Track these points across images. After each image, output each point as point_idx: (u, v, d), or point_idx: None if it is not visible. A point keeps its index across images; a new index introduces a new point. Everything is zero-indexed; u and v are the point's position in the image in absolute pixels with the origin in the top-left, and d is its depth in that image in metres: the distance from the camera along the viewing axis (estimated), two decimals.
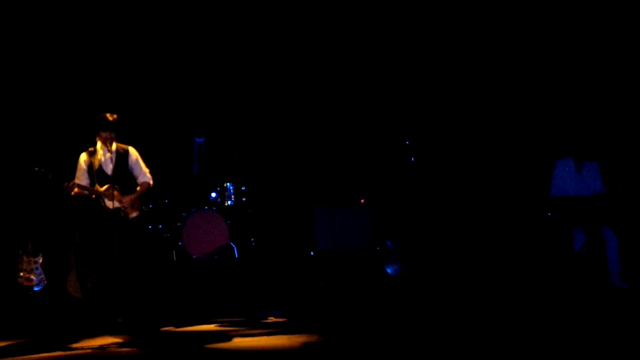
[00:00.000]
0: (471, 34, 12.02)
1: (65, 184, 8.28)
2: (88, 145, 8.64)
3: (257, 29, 12.05)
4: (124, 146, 8.68)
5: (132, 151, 8.73)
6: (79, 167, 8.58)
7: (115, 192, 8.38)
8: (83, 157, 8.60)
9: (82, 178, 8.53)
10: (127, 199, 8.48)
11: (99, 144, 8.52)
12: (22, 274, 8.97)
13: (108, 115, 8.47)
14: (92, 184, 8.49)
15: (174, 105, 11.88)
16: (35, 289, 9.08)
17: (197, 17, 11.80)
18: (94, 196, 8.43)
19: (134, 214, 8.54)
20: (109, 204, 8.36)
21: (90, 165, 8.52)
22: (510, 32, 11.84)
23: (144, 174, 8.75)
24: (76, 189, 8.33)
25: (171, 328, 8.23)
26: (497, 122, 11.98)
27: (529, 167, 11.50)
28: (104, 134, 8.45)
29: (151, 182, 8.79)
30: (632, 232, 10.37)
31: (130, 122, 8.91)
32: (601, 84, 11.53)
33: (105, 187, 8.40)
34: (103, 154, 8.51)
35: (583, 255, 9.51)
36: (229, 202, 11.11)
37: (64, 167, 8.72)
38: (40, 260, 9.10)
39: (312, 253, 11.28)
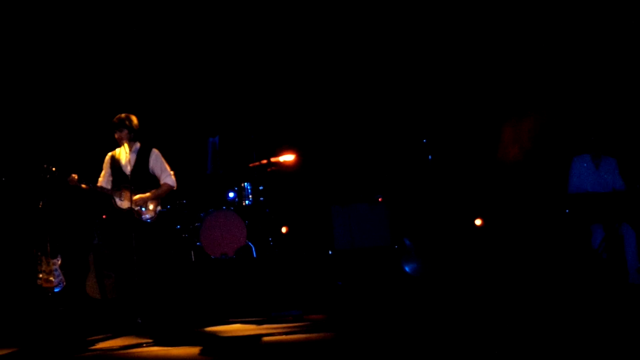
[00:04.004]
0: (488, 32, 11.99)
1: (69, 177, 8.31)
2: (116, 146, 8.72)
3: (272, 27, 12.05)
4: (147, 147, 8.69)
5: (154, 151, 8.73)
6: (103, 167, 8.72)
7: (127, 192, 8.40)
8: (107, 157, 8.72)
9: (105, 176, 8.66)
10: (138, 199, 8.47)
11: (124, 145, 8.57)
12: (41, 275, 9.00)
13: (121, 115, 8.51)
14: (114, 183, 8.55)
15: (189, 105, 11.91)
16: (55, 290, 9.12)
17: (212, 18, 11.81)
18: (110, 194, 8.48)
19: (147, 214, 8.52)
20: (120, 204, 8.39)
21: (112, 166, 8.63)
22: (527, 29, 11.80)
23: (167, 175, 8.71)
24: (82, 186, 8.37)
25: (190, 328, 8.25)
26: (511, 119, 11.95)
27: (547, 163, 11.46)
28: (116, 135, 8.50)
29: (174, 185, 8.73)
30: None
31: (146, 122, 8.91)
32: (618, 80, 11.47)
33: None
34: (124, 154, 8.56)
35: (601, 252, 9.47)
36: (247, 202, 11.14)
37: (92, 169, 8.81)
38: (59, 262, 9.14)
39: (330, 252, 11.29)
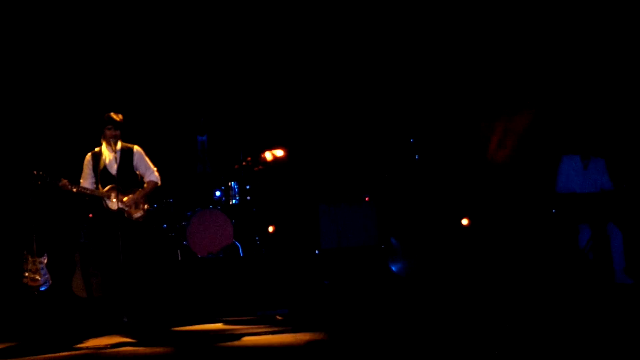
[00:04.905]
0: (474, 32, 12.00)
1: (60, 183, 8.26)
2: (95, 145, 8.64)
3: (259, 26, 12.04)
4: (128, 145, 8.62)
5: (137, 149, 8.65)
6: (84, 168, 8.55)
7: (116, 193, 8.33)
8: (87, 158, 8.56)
9: (87, 178, 8.50)
10: (128, 199, 8.43)
11: (104, 145, 8.49)
12: (27, 274, 8.98)
13: (112, 114, 8.45)
14: (97, 184, 8.48)
15: (177, 104, 11.89)
16: (41, 289, 9.09)
17: (199, 16, 11.79)
18: (87, 198, 8.43)
19: (138, 214, 8.47)
20: (111, 204, 8.32)
21: (94, 166, 8.49)
22: (514, 30, 11.82)
23: (151, 172, 8.65)
24: (73, 189, 8.32)
25: (176, 327, 8.23)
26: (501, 119, 11.97)
27: (535, 163, 11.48)
28: (108, 133, 8.42)
29: (159, 181, 8.67)
30: (637, 228, 10.33)
31: (133, 121, 8.87)
32: (607, 81, 11.49)
33: (107, 188, 8.39)
34: (108, 154, 8.48)
35: (588, 252, 9.49)
36: (234, 201, 11.12)
37: (72, 168, 8.73)
38: (45, 261, 9.11)
39: (316, 251, 11.29)
